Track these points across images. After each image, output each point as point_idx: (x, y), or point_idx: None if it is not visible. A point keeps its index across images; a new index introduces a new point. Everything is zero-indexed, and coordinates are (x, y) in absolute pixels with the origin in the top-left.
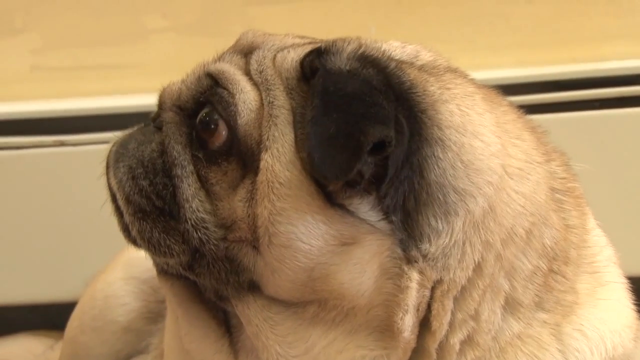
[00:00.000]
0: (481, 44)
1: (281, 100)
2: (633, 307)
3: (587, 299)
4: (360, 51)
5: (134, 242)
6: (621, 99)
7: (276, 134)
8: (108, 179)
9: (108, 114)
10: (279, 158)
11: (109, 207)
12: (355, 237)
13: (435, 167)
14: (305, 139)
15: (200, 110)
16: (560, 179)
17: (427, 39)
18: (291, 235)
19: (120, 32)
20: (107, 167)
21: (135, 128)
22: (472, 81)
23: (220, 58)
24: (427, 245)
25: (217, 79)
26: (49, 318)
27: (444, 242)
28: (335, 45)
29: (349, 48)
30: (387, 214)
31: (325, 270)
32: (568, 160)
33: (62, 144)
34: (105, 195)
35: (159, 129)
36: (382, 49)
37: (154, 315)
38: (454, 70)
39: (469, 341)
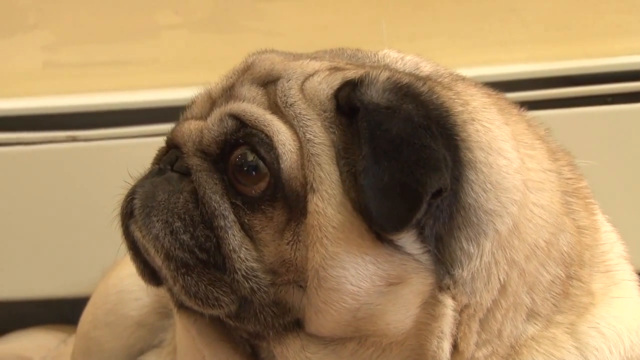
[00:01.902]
0: (493, 40)
1: (321, 137)
2: None
3: (602, 298)
4: (393, 80)
5: (156, 285)
6: (633, 94)
7: (322, 174)
8: (128, 230)
9: (120, 110)
10: (330, 201)
11: (121, 204)
12: (402, 276)
13: (470, 190)
14: (359, 192)
15: (226, 154)
16: (567, 179)
17: (438, 34)
18: (342, 279)
19: (132, 29)
20: (125, 217)
21: (147, 173)
22: (481, 88)
23: (231, 86)
24: (460, 270)
25: (244, 121)
26: (62, 313)
27: (475, 265)
28: (368, 77)
29: (382, 77)
30: (425, 244)
31: (371, 311)
32: (573, 160)
33: (74, 139)
34: (117, 190)
35: (184, 174)
36: (409, 72)
37: (166, 311)
38: (462, 79)
39: (490, 354)
